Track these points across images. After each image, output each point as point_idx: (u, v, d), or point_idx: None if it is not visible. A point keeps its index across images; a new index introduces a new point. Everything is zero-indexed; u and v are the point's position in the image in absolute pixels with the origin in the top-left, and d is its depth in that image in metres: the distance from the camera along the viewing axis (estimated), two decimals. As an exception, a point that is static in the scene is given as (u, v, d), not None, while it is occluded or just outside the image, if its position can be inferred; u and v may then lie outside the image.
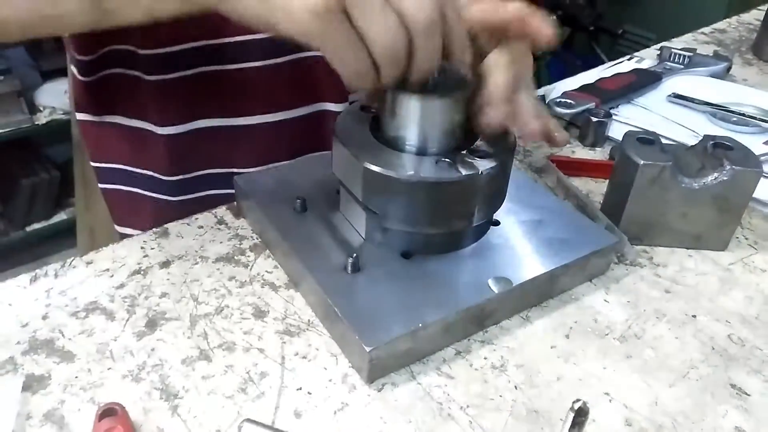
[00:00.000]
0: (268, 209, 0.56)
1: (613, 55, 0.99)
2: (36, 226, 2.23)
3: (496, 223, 0.57)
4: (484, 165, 0.49)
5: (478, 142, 0.51)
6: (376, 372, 0.46)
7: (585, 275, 0.56)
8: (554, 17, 0.48)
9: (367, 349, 0.44)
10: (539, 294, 0.53)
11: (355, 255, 0.50)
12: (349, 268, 0.50)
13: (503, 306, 0.51)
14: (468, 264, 0.53)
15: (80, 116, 0.71)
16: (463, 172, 0.48)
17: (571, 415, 0.37)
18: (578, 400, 0.37)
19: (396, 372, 0.47)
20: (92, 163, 0.73)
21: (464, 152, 0.50)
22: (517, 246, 0.55)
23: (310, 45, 0.41)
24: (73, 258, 0.55)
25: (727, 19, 1.19)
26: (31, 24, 0.47)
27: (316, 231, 0.54)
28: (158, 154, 0.67)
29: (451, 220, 0.51)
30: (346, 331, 0.46)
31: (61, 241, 2.12)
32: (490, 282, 0.50)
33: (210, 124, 0.67)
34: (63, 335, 0.48)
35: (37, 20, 0.46)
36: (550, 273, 0.52)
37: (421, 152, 0.50)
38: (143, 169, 0.70)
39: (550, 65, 2.59)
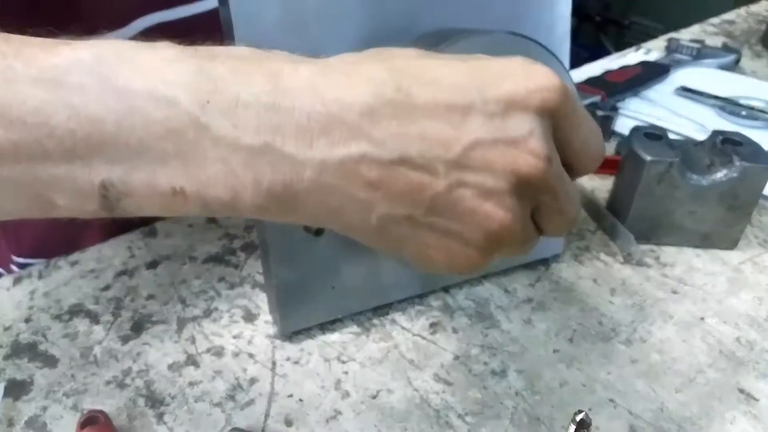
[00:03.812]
0: None
1: (620, 47, 0.96)
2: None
3: None
4: None
5: None
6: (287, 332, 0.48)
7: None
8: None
9: (282, 331, 0.47)
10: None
11: None
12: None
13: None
14: None
15: None
16: None
17: (573, 426, 0.35)
18: (580, 411, 0.35)
19: (391, 379, 0.45)
20: None
21: None
22: None
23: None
24: (57, 258, 0.53)
25: (736, 10, 1.16)
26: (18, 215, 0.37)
27: None
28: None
29: None
30: (272, 299, 0.47)
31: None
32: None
33: None
34: (46, 339, 0.47)
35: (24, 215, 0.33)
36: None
37: None
38: None
39: (555, 57, 2.56)
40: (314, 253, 0.45)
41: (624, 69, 0.85)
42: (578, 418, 0.35)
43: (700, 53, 0.91)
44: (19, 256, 0.61)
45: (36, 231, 0.60)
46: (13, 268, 0.63)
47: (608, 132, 0.74)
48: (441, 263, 0.30)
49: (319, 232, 0.44)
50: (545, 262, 0.56)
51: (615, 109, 0.74)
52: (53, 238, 0.59)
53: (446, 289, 0.53)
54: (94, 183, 0.27)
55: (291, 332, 0.48)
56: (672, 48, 0.93)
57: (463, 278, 0.53)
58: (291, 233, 0.44)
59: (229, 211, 0.28)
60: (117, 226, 0.58)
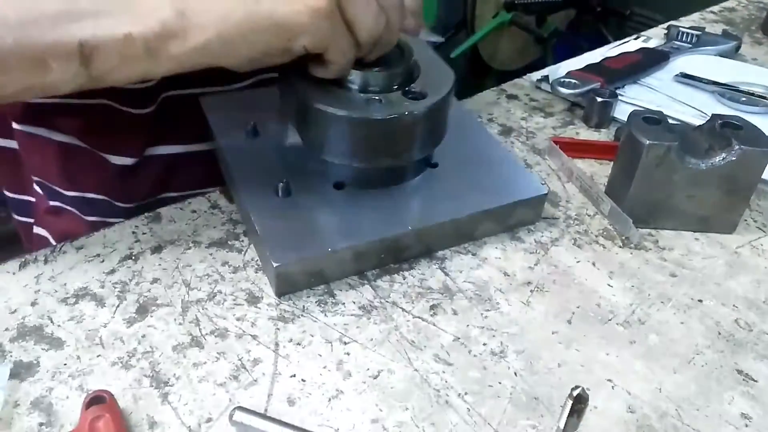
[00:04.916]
0: (222, 131, 0.60)
1: (621, 37, 0.96)
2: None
3: (434, 165, 0.58)
4: (412, 107, 0.50)
5: (414, 84, 0.52)
6: (285, 286, 0.50)
7: (509, 224, 0.58)
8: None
9: (275, 264, 0.48)
10: (458, 235, 0.56)
11: (285, 180, 0.53)
12: (280, 192, 0.53)
13: (417, 242, 0.53)
14: (393, 200, 0.55)
15: (20, 127, 0.65)
16: (388, 112, 0.49)
17: (570, 402, 0.36)
18: (577, 387, 0.36)
19: (392, 359, 0.46)
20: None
21: (398, 92, 0.51)
22: (447, 188, 0.56)
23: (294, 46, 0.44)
24: (63, 243, 0.53)
25: (737, -2, 1.16)
26: (15, 96, 0.45)
27: (260, 155, 0.57)
28: (108, 178, 0.66)
29: (375, 157, 0.52)
30: (262, 247, 0.50)
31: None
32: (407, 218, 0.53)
33: (167, 151, 0.67)
34: (52, 322, 0.47)
35: (20, 92, 0.44)
36: (468, 217, 0.54)
37: (363, 90, 0.51)
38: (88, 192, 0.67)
39: (556, 48, 2.56)
40: (291, 209, 0.52)
41: (623, 56, 0.85)
42: (575, 393, 0.36)
43: (700, 40, 0.91)
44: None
45: (39, 162, 0.67)
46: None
47: (608, 118, 0.75)
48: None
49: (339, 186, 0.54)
50: (544, 246, 0.56)
51: (614, 95, 0.74)
52: (54, 167, 0.66)
53: (445, 273, 0.53)
54: (74, 42, 0.40)
55: (286, 291, 0.50)
56: (672, 35, 0.93)
57: (448, 244, 0.56)
58: (267, 197, 0.53)
59: (169, 49, 0.41)
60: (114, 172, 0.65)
